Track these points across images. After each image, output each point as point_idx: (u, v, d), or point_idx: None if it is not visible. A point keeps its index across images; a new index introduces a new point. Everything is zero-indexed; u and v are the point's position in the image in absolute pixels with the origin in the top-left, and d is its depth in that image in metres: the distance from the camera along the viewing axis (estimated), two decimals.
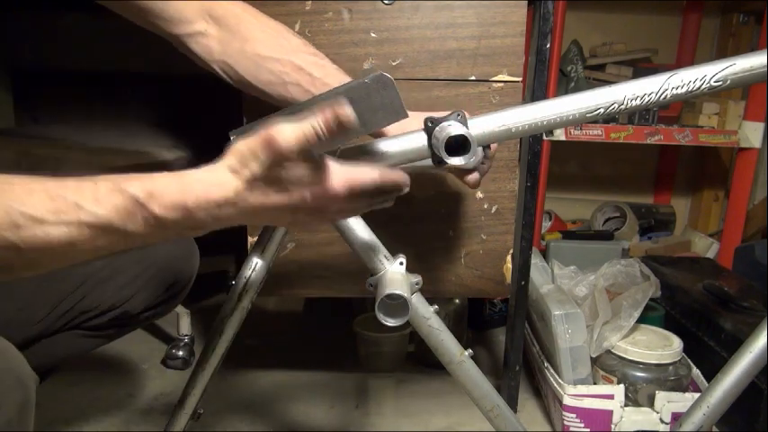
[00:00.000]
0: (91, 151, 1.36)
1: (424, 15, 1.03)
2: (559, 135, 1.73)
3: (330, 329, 1.69)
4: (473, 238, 1.12)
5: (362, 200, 0.56)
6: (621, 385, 1.17)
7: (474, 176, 0.81)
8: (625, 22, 2.11)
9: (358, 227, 0.74)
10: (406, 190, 0.58)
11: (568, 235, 1.90)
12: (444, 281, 1.13)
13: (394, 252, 0.75)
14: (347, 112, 0.49)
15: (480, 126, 0.65)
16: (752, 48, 2.01)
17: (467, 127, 0.63)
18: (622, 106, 0.65)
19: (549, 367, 1.26)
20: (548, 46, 1.10)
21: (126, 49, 1.51)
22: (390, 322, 0.67)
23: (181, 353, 1.45)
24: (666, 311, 1.44)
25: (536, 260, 1.46)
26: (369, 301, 1.52)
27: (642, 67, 1.93)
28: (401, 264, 0.73)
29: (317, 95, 0.63)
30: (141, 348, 1.55)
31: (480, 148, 0.76)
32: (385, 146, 0.65)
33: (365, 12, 1.03)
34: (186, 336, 1.48)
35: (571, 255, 1.69)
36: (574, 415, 1.17)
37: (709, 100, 1.80)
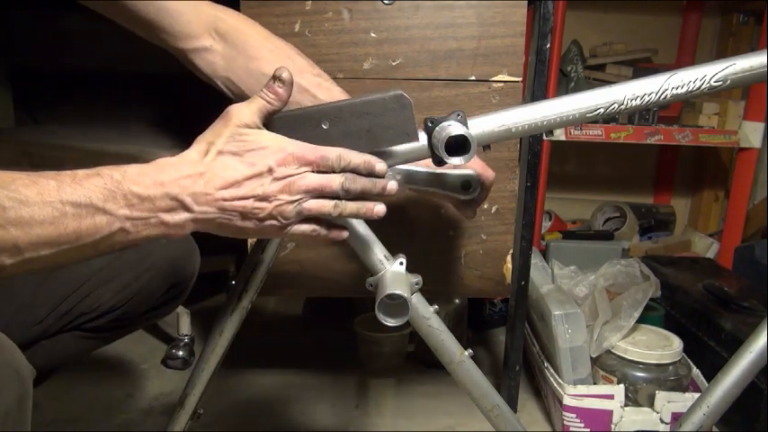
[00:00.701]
0: (91, 151, 1.36)
1: (424, 15, 1.03)
2: (559, 135, 1.73)
3: (330, 329, 1.69)
4: (473, 238, 1.12)
5: (333, 178, 0.58)
6: (621, 385, 1.17)
7: (472, 209, 0.83)
8: (625, 22, 2.11)
9: (358, 226, 0.74)
10: (391, 186, 0.60)
11: (568, 235, 1.90)
12: (444, 281, 1.13)
13: (394, 252, 0.74)
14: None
15: (480, 126, 0.65)
16: (752, 48, 2.01)
17: (467, 127, 0.63)
18: (622, 106, 0.65)
19: (549, 367, 1.26)
20: (548, 46, 1.10)
21: (126, 49, 1.51)
22: (390, 322, 0.67)
23: (181, 353, 1.45)
24: (666, 311, 1.44)
25: (536, 260, 1.46)
26: (369, 301, 1.52)
27: (642, 67, 1.93)
28: (401, 264, 0.73)
29: (335, 101, 0.63)
30: (141, 348, 1.55)
31: (477, 177, 0.77)
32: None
33: (365, 12, 1.03)
34: (186, 336, 1.48)
35: (571, 255, 1.69)
36: (574, 415, 1.17)
37: (709, 100, 1.80)
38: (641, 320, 1.23)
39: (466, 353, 0.77)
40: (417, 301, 0.74)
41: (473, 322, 1.64)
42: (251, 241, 1.08)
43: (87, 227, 0.51)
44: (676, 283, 1.48)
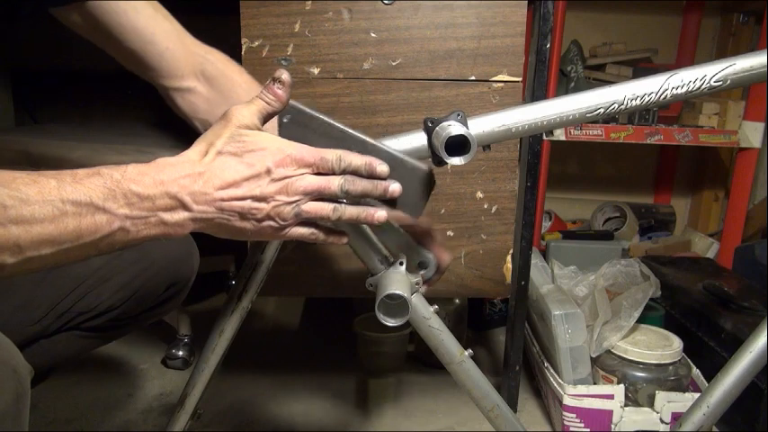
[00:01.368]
0: (91, 151, 1.36)
1: (424, 15, 1.03)
2: (559, 135, 1.73)
3: (330, 329, 1.69)
4: (473, 238, 1.12)
5: (332, 180, 0.58)
6: (621, 385, 1.17)
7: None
8: (625, 22, 2.11)
9: (358, 226, 0.74)
10: (393, 188, 0.60)
11: (568, 235, 1.90)
12: (444, 281, 1.13)
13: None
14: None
15: (480, 126, 0.65)
16: (752, 48, 2.01)
17: (467, 127, 0.63)
18: (622, 106, 0.65)
19: (549, 367, 1.26)
20: (548, 46, 1.10)
21: None
22: (390, 322, 0.67)
23: (181, 353, 1.45)
24: (666, 311, 1.44)
25: (536, 260, 1.46)
26: (369, 301, 1.52)
27: (642, 67, 1.93)
28: (401, 264, 0.73)
29: (362, 136, 0.63)
30: (141, 348, 1.55)
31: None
32: (385, 146, 0.65)
33: (365, 12, 1.03)
34: (186, 336, 1.48)
35: (571, 255, 1.70)
36: (574, 415, 1.17)
37: (709, 100, 1.80)
38: (641, 320, 1.23)
39: (466, 353, 0.77)
40: (417, 301, 0.74)
41: (473, 322, 1.64)
42: (251, 241, 1.08)
43: (88, 225, 0.51)
44: (676, 283, 1.48)
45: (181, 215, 0.55)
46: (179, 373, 1.44)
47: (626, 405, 1.17)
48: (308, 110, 0.61)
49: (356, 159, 0.59)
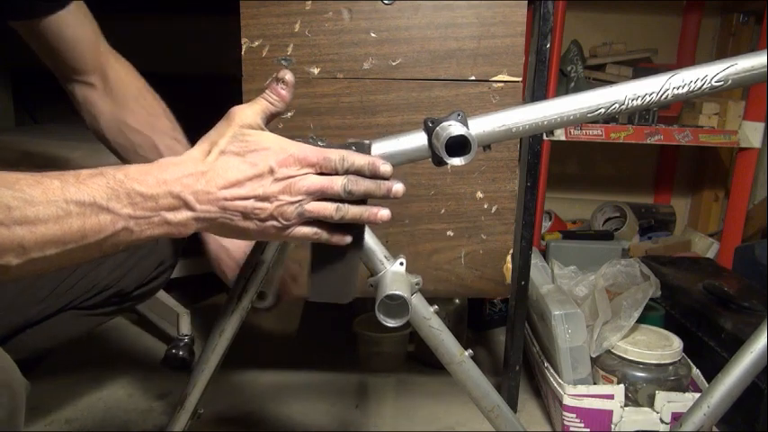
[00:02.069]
0: (91, 151, 1.36)
1: (424, 15, 1.03)
2: (559, 135, 1.73)
3: (330, 329, 1.69)
4: (473, 238, 1.11)
5: (335, 180, 0.58)
6: (621, 385, 1.17)
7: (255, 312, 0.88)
8: (625, 22, 2.11)
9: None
10: (397, 188, 0.61)
11: (568, 235, 1.90)
12: (444, 281, 1.13)
13: (394, 252, 0.74)
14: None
15: (480, 126, 0.65)
16: (752, 48, 2.01)
17: (467, 127, 0.63)
18: (623, 106, 0.65)
19: (549, 367, 1.26)
20: (548, 46, 1.10)
21: (125, 49, 1.51)
22: (390, 323, 0.67)
23: (181, 353, 1.45)
24: (666, 311, 1.44)
25: (536, 260, 1.46)
26: (369, 301, 1.52)
27: (642, 67, 1.93)
28: (401, 264, 0.73)
29: None
30: (141, 348, 1.55)
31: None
32: (385, 146, 0.65)
33: (365, 12, 1.03)
34: (186, 336, 1.47)
35: (571, 255, 1.69)
36: (574, 415, 1.17)
37: (709, 100, 1.80)
38: (641, 320, 1.23)
39: (466, 353, 0.77)
40: (417, 302, 0.74)
41: (473, 322, 1.64)
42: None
43: (92, 226, 0.51)
44: (676, 283, 1.48)
45: (184, 215, 0.55)
46: (179, 373, 1.44)
47: (626, 405, 1.17)
48: None
49: (359, 159, 0.59)
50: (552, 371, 1.24)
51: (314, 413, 1.30)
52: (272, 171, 0.56)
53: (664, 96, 0.65)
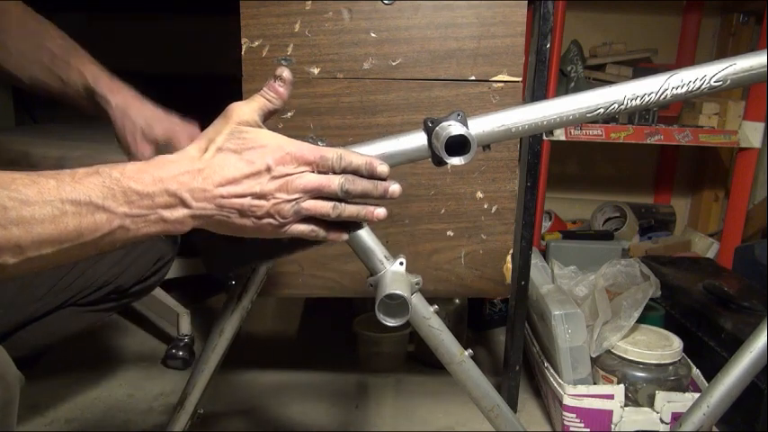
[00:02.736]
0: (91, 151, 1.36)
1: (424, 15, 1.03)
2: (559, 135, 1.73)
3: (330, 329, 1.69)
4: (473, 238, 1.12)
5: (332, 179, 0.58)
6: (621, 385, 1.17)
7: None
8: (625, 22, 2.11)
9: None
10: (393, 189, 0.60)
11: (568, 235, 1.90)
12: (444, 281, 1.13)
13: (394, 252, 0.74)
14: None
15: (480, 126, 0.65)
16: (752, 48, 2.01)
17: (467, 127, 0.63)
18: (622, 106, 0.65)
19: (549, 367, 1.26)
20: (548, 46, 1.10)
21: (125, 49, 1.51)
22: (390, 322, 0.67)
23: (181, 353, 1.45)
24: (666, 311, 1.44)
25: (536, 260, 1.46)
26: (369, 301, 1.52)
27: (642, 67, 1.93)
28: (401, 264, 0.73)
29: None
30: (141, 348, 1.55)
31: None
32: (385, 146, 0.65)
33: (365, 12, 1.03)
34: (186, 336, 1.47)
35: (571, 255, 1.69)
36: (574, 415, 1.17)
37: (709, 100, 1.80)
38: (641, 320, 1.23)
39: (466, 353, 0.77)
40: (417, 301, 0.74)
41: (473, 322, 1.64)
42: None
43: (88, 225, 0.51)
44: (676, 283, 1.48)
45: (180, 212, 0.55)
46: (179, 373, 1.44)
47: (626, 405, 1.17)
48: None
49: (357, 159, 0.59)
50: (552, 371, 1.24)
51: (314, 413, 1.30)
52: (269, 169, 0.56)
53: (663, 96, 0.65)
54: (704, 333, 1.32)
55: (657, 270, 1.48)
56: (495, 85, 1.06)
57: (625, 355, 1.18)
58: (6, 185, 0.48)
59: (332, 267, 1.12)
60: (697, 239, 2.08)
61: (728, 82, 0.65)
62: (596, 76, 1.92)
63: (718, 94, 1.83)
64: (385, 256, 0.73)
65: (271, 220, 0.58)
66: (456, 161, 0.62)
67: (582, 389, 1.17)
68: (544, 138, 1.68)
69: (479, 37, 1.04)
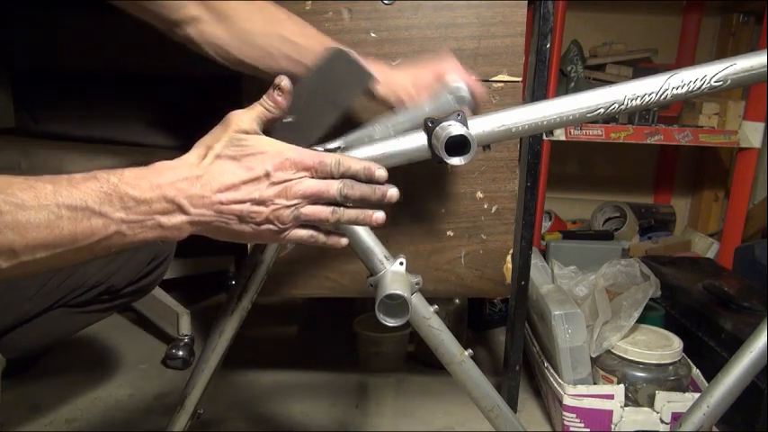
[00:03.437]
0: (91, 151, 1.36)
1: (424, 15, 1.03)
2: (559, 135, 1.73)
3: (330, 329, 1.69)
4: (473, 238, 1.12)
5: (331, 184, 0.58)
6: (621, 385, 1.17)
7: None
8: (625, 22, 2.11)
9: (358, 227, 0.74)
10: (391, 193, 0.61)
11: (568, 235, 1.90)
12: (444, 281, 1.13)
13: (394, 252, 0.75)
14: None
15: (480, 126, 0.65)
16: (752, 48, 2.01)
17: (467, 127, 0.63)
18: (622, 106, 0.65)
19: (549, 367, 1.26)
20: (548, 46, 1.10)
21: (126, 49, 1.51)
22: (390, 322, 0.67)
23: (181, 353, 1.45)
24: (666, 311, 1.44)
25: (536, 260, 1.46)
26: (369, 301, 1.52)
27: (642, 67, 1.93)
28: (401, 264, 0.73)
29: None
30: (141, 348, 1.55)
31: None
32: (385, 146, 0.65)
33: (365, 12, 1.03)
34: (186, 336, 1.48)
35: (571, 255, 1.70)
36: (574, 415, 1.17)
37: (709, 100, 1.80)
38: (641, 320, 1.23)
39: (466, 353, 0.77)
40: (417, 301, 0.74)
41: (473, 322, 1.64)
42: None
43: (83, 230, 0.51)
44: (676, 283, 1.48)
45: (178, 218, 0.55)
46: (179, 373, 1.44)
47: (626, 405, 1.17)
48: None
49: (355, 164, 0.59)
50: (552, 371, 1.24)
51: (314, 413, 1.30)
52: (268, 175, 0.56)
53: (663, 96, 0.65)
54: (704, 333, 1.32)
55: (657, 270, 1.48)
56: (495, 85, 1.06)
57: (625, 355, 1.18)
58: (3, 189, 0.48)
59: (332, 267, 1.12)
60: (697, 239, 2.08)
61: (728, 82, 0.65)
62: (596, 76, 1.92)
63: (718, 94, 1.83)
64: (385, 256, 0.73)
65: (270, 226, 0.58)
66: (456, 161, 0.62)
67: (582, 389, 1.17)
68: (544, 138, 1.68)
69: (479, 37, 1.04)
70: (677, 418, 1.10)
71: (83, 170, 0.53)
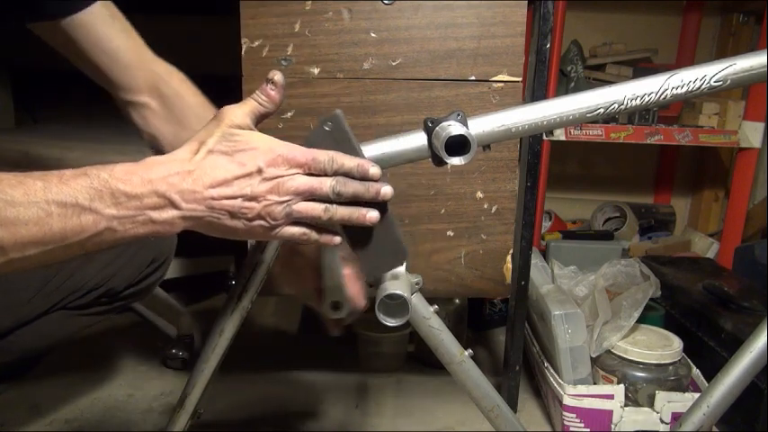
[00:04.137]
0: (91, 151, 1.36)
1: (424, 15, 1.03)
2: (559, 135, 1.73)
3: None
4: (473, 238, 1.12)
5: (323, 181, 0.58)
6: (621, 385, 1.17)
7: (337, 327, 0.88)
8: (625, 22, 2.11)
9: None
10: (385, 191, 0.60)
11: (568, 235, 1.90)
12: (444, 281, 1.13)
13: None
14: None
15: (480, 126, 0.65)
16: (752, 48, 2.01)
17: (467, 127, 0.63)
18: (622, 106, 0.65)
19: (549, 367, 1.26)
20: (548, 46, 1.10)
21: None
22: (390, 322, 0.67)
23: (181, 353, 1.45)
24: (666, 311, 1.44)
25: (536, 260, 1.46)
26: (369, 301, 1.52)
27: (642, 67, 1.93)
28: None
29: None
30: (141, 348, 1.55)
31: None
32: (384, 146, 0.65)
33: (365, 12, 1.03)
34: (186, 336, 1.48)
35: (571, 255, 1.69)
36: (574, 415, 1.17)
37: (709, 100, 1.80)
38: (641, 320, 1.23)
39: (466, 353, 0.77)
40: (417, 301, 0.74)
41: (473, 322, 1.64)
42: (251, 241, 1.08)
43: (73, 227, 0.51)
44: (676, 283, 1.48)
45: (169, 213, 0.55)
46: (179, 373, 1.44)
47: (626, 405, 1.17)
48: (346, 127, 0.61)
49: (348, 161, 0.59)
50: (552, 371, 1.24)
51: (314, 413, 1.30)
52: (260, 171, 0.56)
53: (663, 96, 0.65)
54: (704, 333, 1.32)
55: (657, 270, 1.48)
56: (495, 85, 1.06)
57: (625, 355, 1.18)
58: None
59: None
60: (697, 239, 2.08)
61: (728, 82, 0.65)
62: (596, 76, 1.92)
63: (718, 94, 1.83)
64: None
65: (262, 222, 0.57)
66: (456, 161, 0.62)
67: (582, 389, 1.17)
68: (544, 138, 1.68)
69: (479, 37, 1.04)
70: (677, 418, 1.10)
71: None
